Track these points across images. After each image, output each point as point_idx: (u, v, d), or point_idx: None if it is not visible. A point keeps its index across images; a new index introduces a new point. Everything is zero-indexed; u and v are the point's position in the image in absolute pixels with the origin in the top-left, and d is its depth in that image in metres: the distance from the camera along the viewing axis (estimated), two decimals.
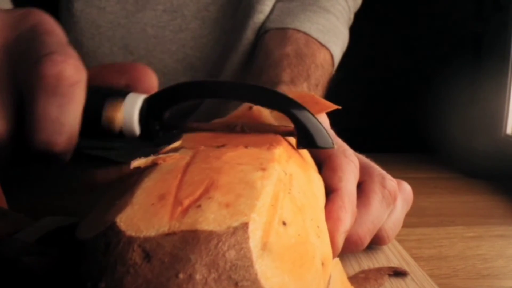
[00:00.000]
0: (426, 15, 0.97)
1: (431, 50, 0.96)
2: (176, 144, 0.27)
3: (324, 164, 0.33)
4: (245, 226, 0.19)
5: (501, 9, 0.71)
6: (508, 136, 0.68)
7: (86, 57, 0.62)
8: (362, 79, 0.97)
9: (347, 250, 0.31)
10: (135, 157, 0.27)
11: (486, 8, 0.76)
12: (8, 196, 0.38)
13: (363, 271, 0.32)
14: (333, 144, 0.28)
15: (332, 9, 0.60)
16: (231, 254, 0.18)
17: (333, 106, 0.35)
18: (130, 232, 0.19)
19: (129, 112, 0.28)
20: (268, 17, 0.59)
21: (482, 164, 0.67)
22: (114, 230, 0.19)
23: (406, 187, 0.37)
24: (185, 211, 0.19)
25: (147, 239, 0.18)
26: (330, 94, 0.54)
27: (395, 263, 0.34)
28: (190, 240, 0.18)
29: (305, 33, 0.56)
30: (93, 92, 0.28)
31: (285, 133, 0.29)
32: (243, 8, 0.61)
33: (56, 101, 0.25)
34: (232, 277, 0.18)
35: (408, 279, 0.32)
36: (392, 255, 0.36)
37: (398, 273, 0.32)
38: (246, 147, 0.26)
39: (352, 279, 0.30)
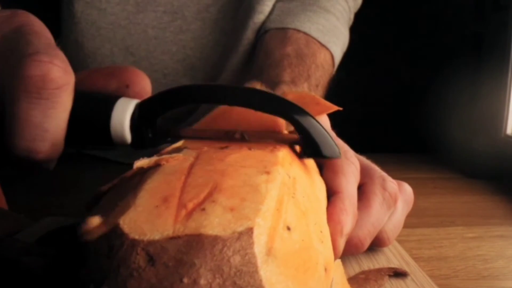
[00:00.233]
0: (426, 15, 0.97)
1: (431, 50, 0.96)
2: (179, 144, 0.27)
3: (325, 165, 0.33)
4: (250, 231, 0.19)
5: (501, 9, 0.71)
6: (508, 136, 0.68)
7: (86, 58, 0.62)
8: (362, 79, 0.97)
9: (347, 253, 0.31)
10: (135, 157, 0.27)
11: (486, 8, 0.76)
12: (8, 196, 0.38)
13: (363, 272, 0.32)
14: (339, 153, 0.27)
15: (332, 9, 0.60)
16: (236, 260, 0.18)
17: (334, 107, 0.35)
18: (134, 234, 0.18)
19: (119, 118, 0.26)
20: (268, 17, 0.59)
21: (482, 164, 0.67)
22: (117, 233, 0.19)
23: (407, 189, 0.37)
24: (190, 214, 0.19)
25: (151, 243, 0.18)
26: (330, 94, 0.54)
27: (395, 263, 0.34)
28: (194, 245, 0.18)
29: (305, 33, 0.56)
30: (81, 97, 0.26)
31: (288, 142, 0.28)
32: (243, 8, 0.61)
33: (39, 104, 0.23)
34: (236, 282, 0.18)
35: (408, 280, 0.32)
36: (392, 255, 0.36)
37: (398, 274, 0.32)
38: (249, 149, 0.25)
39: (352, 280, 0.30)
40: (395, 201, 0.34)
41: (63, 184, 0.55)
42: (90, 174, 0.60)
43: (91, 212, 0.22)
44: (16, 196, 0.39)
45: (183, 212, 0.19)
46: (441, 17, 0.95)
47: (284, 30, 0.56)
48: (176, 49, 0.62)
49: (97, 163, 0.65)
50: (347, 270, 0.30)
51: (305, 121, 0.26)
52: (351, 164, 0.33)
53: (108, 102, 0.26)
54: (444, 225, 0.48)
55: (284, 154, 0.25)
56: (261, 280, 0.18)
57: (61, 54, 0.25)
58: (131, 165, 0.24)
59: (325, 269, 0.23)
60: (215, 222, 0.19)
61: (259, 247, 0.19)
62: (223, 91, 0.27)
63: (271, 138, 0.28)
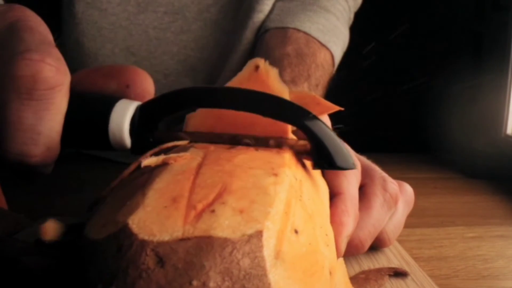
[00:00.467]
0: (426, 15, 0.97)
1: (431, 50, 0.96)
2: (184, 142, 0.26)
3: None
4: (259, 234, 0.19)
5: (501, 9, 0.71)
6: (508, 136, 0.68)
7: (87, 58, 0.62)
8: (362, 79, 0.97)
9: (348, 254, 0.31)
10: (135, 157, 0.27)
11: (486, 8, 0.76)
12: (8, 196, 0.38)
13: (363, 272, 0.32)
14: (354, 164, 0.25)
15: (332, 9, 0.60)
16: (245, 263, 0.18)
17: (335, 108, 0.34)
18: (143, 235, 0.18)
19: (118, 121, 0.25)
20: (268, 16, 0.59)
21: (482, 164, 0.67)
22: (126, 233, 0.18)
23: (408, 189, 0.37)
24: (199, 215, 0.19)
25: (160, 244, 0.18)
26: (330, 94, 0.54)
27: (395, 263, 0.34)
28: (204, 247, 0.18)
29: (305, 33, 0.56)
30: (77, 98, 0.24)
31: (297, 150, 0.26)
32: (244, 8, 0.61)
33: (30, 106, 0.22)
34: (245, 286, 0.18)
35: (408, 280, 0.32)
36: (392, 255, 0.36)
37: (399, 274, 0.32)
38: (256, 149, 0.25)
39: (352, 279, 0.30)
40: (395, 201, 0.34)
41: (63, 184, 0.55)
42: (90, 174, 0.60)
43: (96, 209, 0.22)
44: (16, 196, 0.39)
45: (193, 213, 0.19)
46: (441, 17, 0.95)
47: (284, 29, 0.56)
48: (177, 49, 0.62)
49: (97, 163, 0.65)
50: (347, 270, 0.30)
51: (316, 127, 0.25)
52: None
53: (106, 104, 0.25)
54: (444, 225, 0.48)
55: (290, 155, 0.25)
56: (269, 284, 0.18)
57: (55, 52, 0.23)
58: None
59: (330, 273, 0.23)
60: (225, 224, 0.19)
61: (268, 250, 0.19)
62: (231, 95, 0.26)
63: (279, 145, 0.26)
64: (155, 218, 0.19)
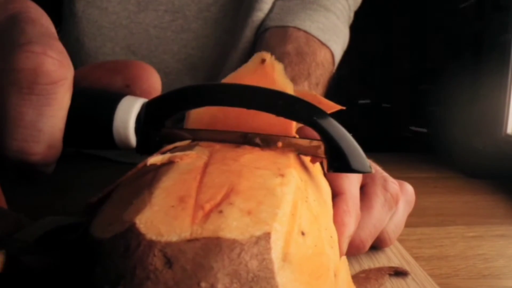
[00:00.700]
0: (426, 15, 0.97)
1: (431, 50, 0.96)
2: (186, 142, 0.26)
3: None
4: (267, 236, 0.19)
5: (501, 9, 0.71)
6: (508, 135, 0.68)
7: (87, 57, 0.62)
8: (362, 79, 0.97)
9: (349, 254, 0.31)
10: (136, 157, 0.26)
11: (486, 8, 0.76)
12: (8, 195, 0.38)
13: (363, 271, 0.32)
14: (370, 167, 0.24)
15: (332, 8, 0.60)
16: (254, 265, 0.18)
17: (337, 107, 0.33)
18: (151, 235, 0.18)
19: (123, 119, 0.24)
20: (268, 15, 0.59)
21: (482, 164, 0.67)
22: (133, 232, 0.18)
23: (409, 189, 0.37)
24: (207, 216, 0.19)
25: (168, 244, 0.18)
26: (330, 93, 0.54)
27: (395, 263, 0.34)
28: (212, 248, 0.18)
29: (305, 32, 0.56)
30: (81, 94, 0.24)
31: (308, 152, 0.25)
32: (244, 7, 0.61)
33: (31, 101, 0.21)
34: None
35: (408, 279, 0.32)
36: (392, 255, 0.36)
37: (399, 273, 0.32)
38: (261, 149, 0.25)
39: (353, 278, 0.30)
40: (396, 201, 0.34)
41: (63, 184, 0.55)
42: (90, 174, 0.60)
43: (101, 207, 0.22)
44: (16, 195, 0.38)
45: (200, 214, 0.19)
46: (441, 17, 0.95)
47: (284, 28, 0.56)
48: (178, 48, 0.62)
49: (97, 162, 0.65)
50: None
51: (331, 128, 0.23)
52: None
53: (111, 101, 0.24)
54: (445, 224, 0.48)
55: (295, 156, 0.25)
56: (277, 286, 0.18)
57: (57, 45, 0.22)
58: (131, 164, 0.23)
59: (335, 275, 0.22)
60: (233, 226, 0.18)
61: (276, 252, 0.19)
62: (242, 92, 0.24)
63: (290, 146, 0.25)
64: (162, 218, 0.19)
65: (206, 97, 0.25)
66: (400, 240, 0.38)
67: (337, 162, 0.24)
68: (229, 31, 0.62)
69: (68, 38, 0.62)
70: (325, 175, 0.32)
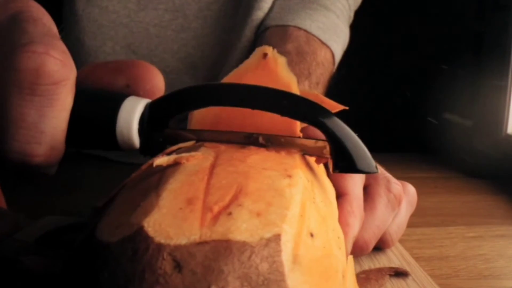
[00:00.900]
0: (426, 15, 0.97)
1: (431, 50, 0.96)
2: (191, 142, 0.25)
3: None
4: (277, 238, 0.18)
5: (501, 9, 0.71)
6: (508, 135, 0.68)
7: (87, 56, 0.62)
8: (362, 79, 0.97)
9: (352, 255, 0.31)
10: (136, 157, 0.26)
11: (486, 8, 0.75)
12: (8, 196, 0.38)
13: (364, 271, 0.32)
14: (376, 167, 0.24)
15: (332, 7, 0.60)
16: (264, 267, 0.17)
17: (339, 107, 0.32)
18: (159, 238, 0.18)
19: (126, 119, 0.23)
20: (268, 14, 0.59)
21: (482, 164, 0.67)
22: (141, 235, 0.18)
23: (411, 189, 0.37)
24: (216, 218, 0.18)
25: (177, 247, 0.17)
26: (330, 93, 0.54)
27: (396, 263, 0.34)
28: (222, 251, 0.17)
29: (306, 31, 0.56)
30: (83, 94, 0.23)
31: (313, 152, 0.25)
32: (244, 6, 0.61)
33: (33, 102, 0.21)
34: None
35: (409, 280, 0.32)
36: (393, 255, 0.36)
37: (399, 274, 0.32)
38: (267, 150, 0.24)
39: None
40: (399, 202, 0.34)
41: (63, 184, 0.54)
42: (90, 174, 0.60)
43: (105, 210, 0.21)
44: (16, 196, 0.38)
45: (209, 216, 0.18)
46: (441, 17, 0.95)
47: (284, 27, 0.56)
48: (178, 47, 0.62)
49: (97, 163, 0.65)
50: None
51: (336, 128, 0.23)
52: None
53: (114, 101, 0.24)
54: (445, 224, 0.47)
55: (300, 156, 0.25)
56: None
57: (60, 45, 0.22)
58: (132, 164, 0.23)
59: (343, 276, 0.22)
60: (243, 228, 0.18)
61: (286, 255, 0.18)
62: (247, 92, 0.24)
63: (295, 146, 0.25)
64: (171, 221, 0.18)
65: (209, 97, 0.24)
66: (401, 241, 0.38)
67: (342, 162, 0.24)
68: (229, 30, 0.62)
69: (68, 38, 0.62)
70: (328, 175, 0.32)
